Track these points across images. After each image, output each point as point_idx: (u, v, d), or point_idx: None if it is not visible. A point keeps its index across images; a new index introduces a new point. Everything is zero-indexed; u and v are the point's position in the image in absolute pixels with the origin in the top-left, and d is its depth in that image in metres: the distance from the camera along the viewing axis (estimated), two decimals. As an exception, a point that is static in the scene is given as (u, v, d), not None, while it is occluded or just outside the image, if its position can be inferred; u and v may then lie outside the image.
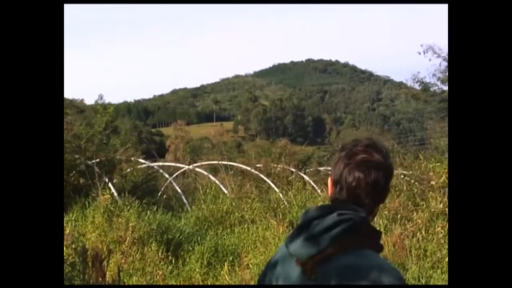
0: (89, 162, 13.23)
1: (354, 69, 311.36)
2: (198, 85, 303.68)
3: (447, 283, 7.58)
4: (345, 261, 1.94)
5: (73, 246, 6.75)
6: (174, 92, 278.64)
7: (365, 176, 2.05)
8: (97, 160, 13.50)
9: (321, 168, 19.81)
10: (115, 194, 12.27)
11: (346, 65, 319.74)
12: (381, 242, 2.13)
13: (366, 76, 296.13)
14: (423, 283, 7.35)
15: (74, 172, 13.16)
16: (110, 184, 12.79)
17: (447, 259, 8.68)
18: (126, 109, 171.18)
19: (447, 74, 15.54)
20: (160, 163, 18.14)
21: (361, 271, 1.92)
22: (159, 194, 15.62)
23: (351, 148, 2.13)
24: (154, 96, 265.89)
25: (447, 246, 8.99)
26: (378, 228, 2.16)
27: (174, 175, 16.63)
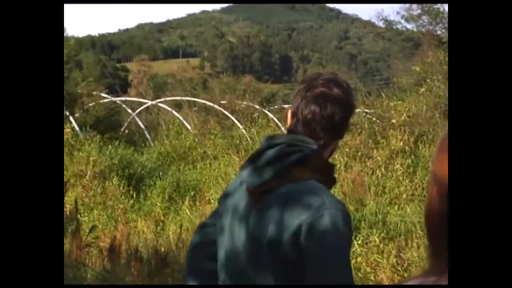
0: (50, 95, 12.97)
1: (322, 7, 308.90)
2: (164, 20, 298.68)
3: (403, 218, 7.79)
4: (285, 189, 1.93)
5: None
6: (140, 26, 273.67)
7: (321, 109, 2.02)
8: (58, 93, 13.25)
9: (286, 106, 19.78)
10: (76, 128, 12.13)
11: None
12: (334, 176, 2.12)
13: (334, 14, 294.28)
14: (380, 219, 7.50)
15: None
16: (71, 118, 12.62)
17: (404, 195, 8.88)
18: (90, 43, 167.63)
19: (411, 12, 15.54)
20: (123, 98, 17.92)
21: (298, 196, 1.91)
22: (122, 129, 15.50)
23: (310, 81, 2.09)
24: (119, 30, 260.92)
25: (405, 183, 9.18)
26: (336, 164, 2.14)
27: (137, 111, 16.47)
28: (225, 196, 2.23)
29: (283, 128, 14.26)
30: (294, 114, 2.09)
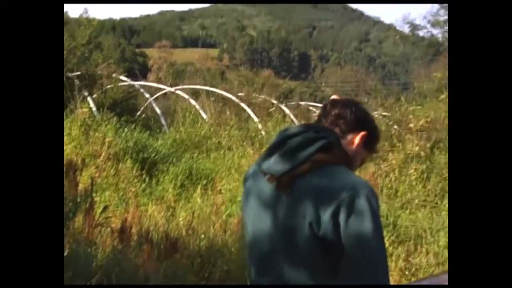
0: (70, 74, 13.03)
1: (345, 7, 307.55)
2: (186, 8, 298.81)
3: (413, 223, 7.76)
4: (316, 173, 1.97)
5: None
6: (162, 13, 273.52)
7: (350, 113, 2.19)
8: (78, 73, 13.31)
9: (302, 103, 19.76)
10: (94, 108, 12.17)
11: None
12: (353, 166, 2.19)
13: (357, 16, 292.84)
14: (391, 222, 7.48)
15: (53, 82, 12.93)
16: (89, 98, 12.66)
17: (416, 200, 8.85)
18: (111, 25, 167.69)
19: (437, 17, 15.43)
20: (142, 83, 17.95)
21: (331, 178, 1.96)
22: (138, 113, 15.53)
23: (331, 106, 2.26)
24: (141, 15, 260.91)
25: (418, 189, 9.15)
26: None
27: (155, 96, 16.50)
28: (244, 183, 2.29)
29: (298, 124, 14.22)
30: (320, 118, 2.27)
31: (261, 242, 2.11)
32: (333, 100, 2.26)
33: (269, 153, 2.09)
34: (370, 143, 2.24)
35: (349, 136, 2.19)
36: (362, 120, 2.22)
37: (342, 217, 1.88)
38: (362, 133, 2.19)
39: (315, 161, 1.99)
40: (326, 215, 1.90)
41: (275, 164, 2.03)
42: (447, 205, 8.37)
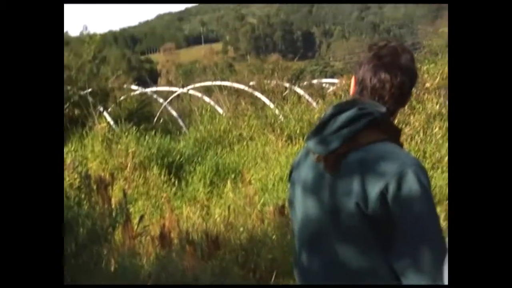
0: (82, 93, 13.12)
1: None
2: (182, 8, 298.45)
3: (447, 181, 7.70)
4: (363, 151, 1.96)
5: (77, 171, 6.78)
6: (159, 17, 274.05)
7: (391, 78, 2.06)
8: (90, 90, 13.39)
9: (315, 81, 19.64)
10: (111, 122, 12.24)
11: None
12: (401, 140, 2.15)
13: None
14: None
15: (68, 103, 13.07)
16: (105, 113, 12.74)
17: (446, 158, 8.78)
18: (113, 38, 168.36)
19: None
20: (153, 88, 18.00)
21: (379, 156, 1.94)
22: (155, 119, 15.59)
23: (378, 49, 2.12)
24: (140, 23, 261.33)
25: (445, 146, 9.08)
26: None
27: (168, 100, 16.53)
28: (292, 170, 2.27)
29: (314, 104, 14.19)
30: (359, 82, 2.13)
31: (309, 224, 2.10)
32: (385, 47, 2.13)
33: (316, 132, 2.07)
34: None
35: (397, 112, 2.17)
36: (412, 87, 2.16)
37: (391, 195, 1.86)
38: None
39: (361, 139, 1.97)
40: (373, 194, 1.88)
41: (321, 143, 2.02)
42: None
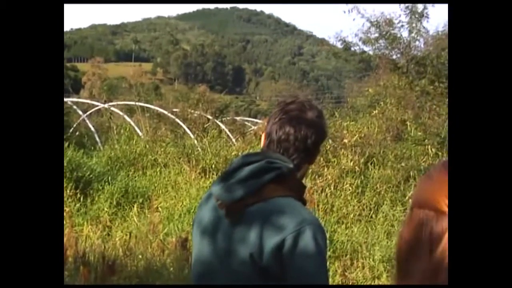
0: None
1: (278, 21, 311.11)
2: (118, 22, 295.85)
3: (349, 238, 7.88)
4: (266, 204, 1.99)
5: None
6: (93, 27, 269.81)
7: (295, 131, 2.10)
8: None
9: (238, 118, 19.86)
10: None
11: (270, 16, 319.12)
12: (304, 197, 2.18)
13: (290, 30, 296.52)
14: (327, 237, 7.57)
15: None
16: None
17: (351, 215, 8.99)
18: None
19: (369, 35, 15.80)
20: (74, 99, 17.63)
21: (280, 211, 1.98)
22: (71, 130, 15.21)
23: (286, 104, 2.17)
24: (71, 29, 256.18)
25: (353, 203, 9.30)
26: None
27: (88, 113, 16.22)
28: (198, 208, 2.29)
29: (234, 140, 14.28)
30: (268, 135, 2.17)
31: (202, 264, 2.14)
32: (292, 103, 2.18)
33: (223, 178, 2.09)
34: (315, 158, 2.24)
35: (304, 167, 2.19)
36: (320, 143, 2.19)
37: (286, 250, 1.90)
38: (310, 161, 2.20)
39: (265, 192, 2.00)
40: (269, 247, 1.92)
41: (226, 191, 2.03)
42: (381, 219, 8.55)
